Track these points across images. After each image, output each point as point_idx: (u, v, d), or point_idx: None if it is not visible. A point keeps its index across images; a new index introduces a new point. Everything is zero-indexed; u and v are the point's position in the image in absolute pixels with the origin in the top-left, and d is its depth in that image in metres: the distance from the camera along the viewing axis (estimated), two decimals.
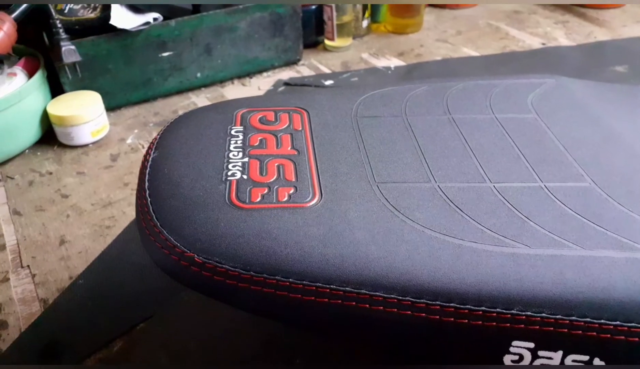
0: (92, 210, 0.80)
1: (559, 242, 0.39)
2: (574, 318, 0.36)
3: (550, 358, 0.37)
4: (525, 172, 0.47)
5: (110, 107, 1.04)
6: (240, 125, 0.52)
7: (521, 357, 0.38)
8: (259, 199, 0.42)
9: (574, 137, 0.52)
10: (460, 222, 0.41)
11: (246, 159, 0.46)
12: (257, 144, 0.49)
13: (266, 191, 0.43)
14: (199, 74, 1.10)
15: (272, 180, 0.44)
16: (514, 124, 0.54)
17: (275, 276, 0.37)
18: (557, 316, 0.36)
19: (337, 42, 1.23)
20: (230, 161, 0.46)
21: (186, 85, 1.11)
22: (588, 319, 0.36)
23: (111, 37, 0.98)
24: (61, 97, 0.97)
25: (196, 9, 1.04)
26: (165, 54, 1.04)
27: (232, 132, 0.50)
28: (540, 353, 0.37)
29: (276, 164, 0.46)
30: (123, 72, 1.03)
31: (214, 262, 0.38)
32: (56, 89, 0.99)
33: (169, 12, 1.01)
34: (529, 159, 0.48)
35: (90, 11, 0.96)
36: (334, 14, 1.20)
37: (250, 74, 1.17)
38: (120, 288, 0.65)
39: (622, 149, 0.51)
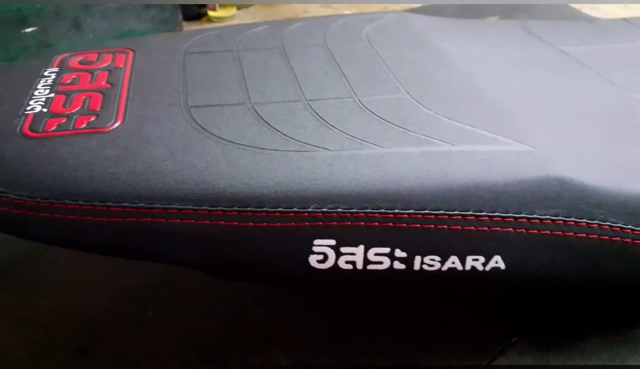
0: None
1: (359, 144, 0.40)
2: (368, 210, 0.37)
3: (353, 254, 0.38)
4: (343, 89, 0.47)
5: None
6: (57, 67, 0.49)
7: (325, 256, 0.38)
8: (54, 128, 0.39)
9: (401, 59, 0.53)
10: (265, 134, 0.40)
11: (52, 95, 0.44)
12: (69, 82, 0.46)
13: (64, 120, 0.40)
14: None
15: (74, 111, 0.42)
16: (344, 51, 0.54)
17: (64, 200, 0.36)
18: (353, 210, 0.37)
19: (220, 13, 1.22)
20: (34, 97, 0.43)
21: None
22: (382, 210, 0.37)
23: None
24: None
25: None
26: (28, 30, 0.99)
27: (45, 73, 0.47)
28: (343, 249, 0.38)
29: (83, 97, 0.44)
30: None
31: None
32: None
33: None
34: (350, 79, 0.48)
35: None
36: None
37: None
38: None
39: (445, 67, 0.53)
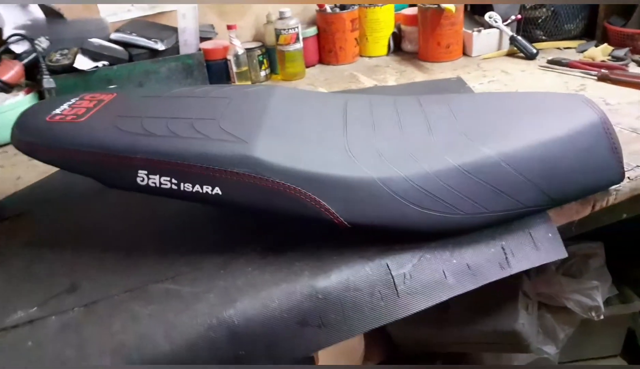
0: None
1: (192, 135, 0.87)
2: (162, 159, 0.83)
3: (155, 178, 0.84)
4: (211, 113, 0.95)
5: None
6: (79, 98, 1.03)
7: (143, 178, 0.84)
8: (58, 120, 0.92)
9: (239, 106, 1.00)
10: (156, 127, 0.90)
11: (66, 108, 0.97)
12: (78, 104, 0.99)
13: (65, 116, 0.93)
14: None
15: (70, 114, 0.93)
16: (219, 101, 1.02)
17: (61, 145, 0.87)
18: (155, 158, 0.83)
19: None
20: (59, 108, 0.96)
21: None
22: (169, 160, 0.83)
23: (76, 75, 1.54)
24: None
25: (131, 58, 1.60)
26: (111, 87, 1.60)
27: (71, 100, 1.01)
28: (150, 176, 0.84)
29: (77, 110, 0.96)
30: None
31: (45, 143, 0.88)
32: None
33: (113, 60, 1.58)
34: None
35: (65, 60, 1.55)
36: (234, 65, 1.74)
37: None
38: None
39: (260, 111, 0.98)
